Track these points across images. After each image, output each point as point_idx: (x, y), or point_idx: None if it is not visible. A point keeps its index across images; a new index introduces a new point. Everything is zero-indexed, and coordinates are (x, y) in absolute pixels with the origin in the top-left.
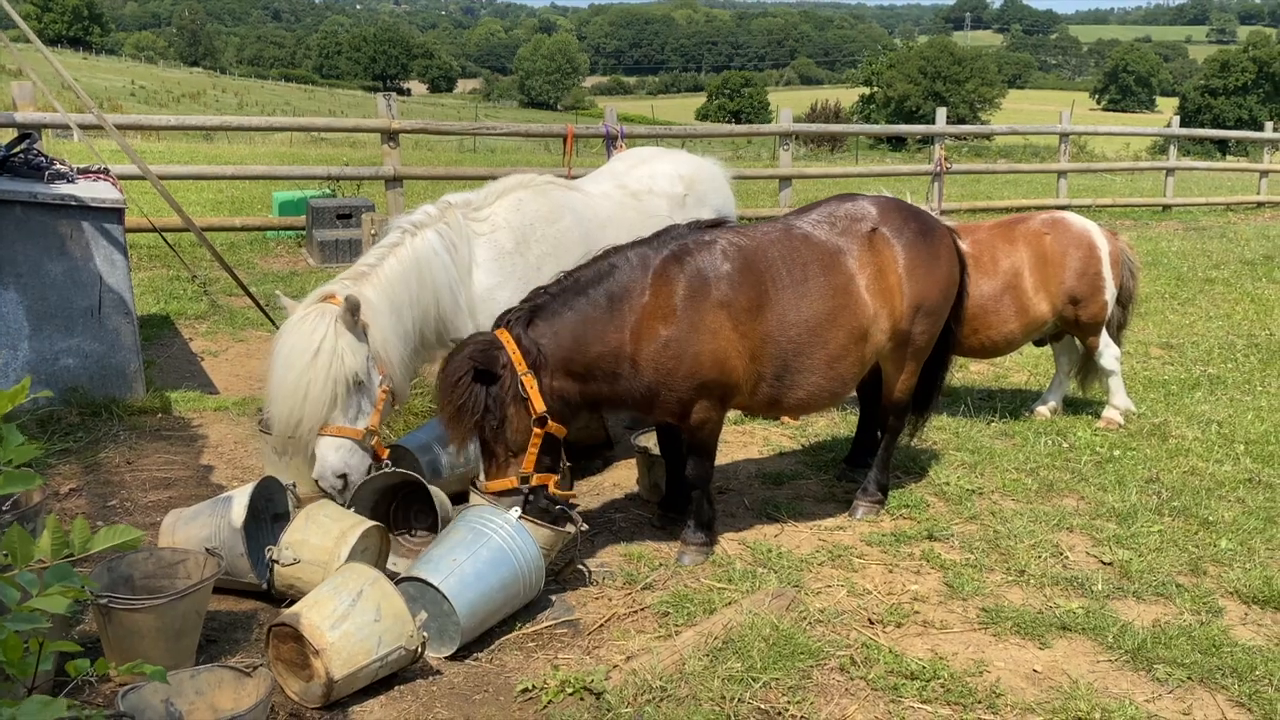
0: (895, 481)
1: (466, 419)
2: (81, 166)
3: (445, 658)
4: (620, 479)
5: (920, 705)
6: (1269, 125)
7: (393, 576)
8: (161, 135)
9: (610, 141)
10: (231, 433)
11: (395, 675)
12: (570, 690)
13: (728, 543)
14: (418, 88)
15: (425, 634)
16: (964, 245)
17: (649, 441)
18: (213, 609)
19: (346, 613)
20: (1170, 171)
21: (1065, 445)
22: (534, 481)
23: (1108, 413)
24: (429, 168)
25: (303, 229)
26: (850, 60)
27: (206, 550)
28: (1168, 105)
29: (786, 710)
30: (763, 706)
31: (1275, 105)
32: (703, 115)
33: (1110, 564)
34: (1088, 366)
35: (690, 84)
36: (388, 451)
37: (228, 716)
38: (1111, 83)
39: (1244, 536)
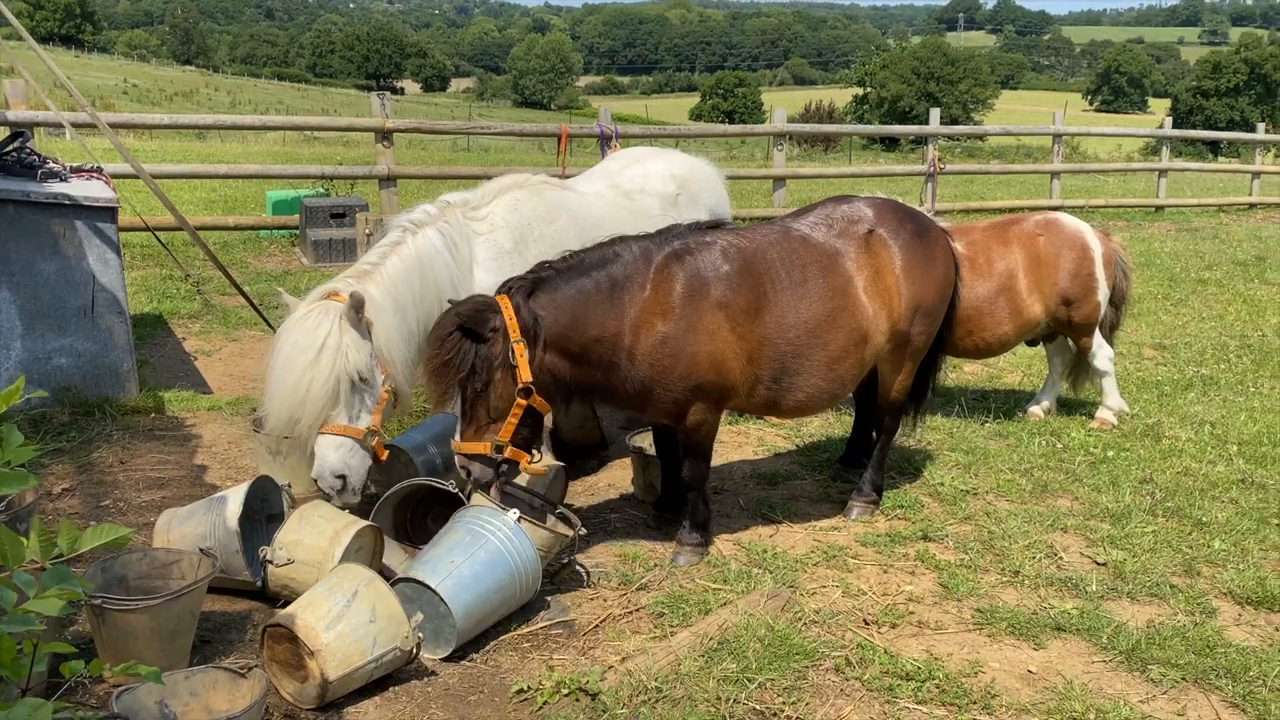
0: (890, 482)
1: (450, 375)
2: (75, 165)
3: (441, 659)
4: (615, 479)
5: (915, 706)
6: (1261, 127)
7: (390, 577)
8: (154, 134)
9: (605, 141)
10: (225, 432)
11: (390, 676)
12: (566, 691)
13: (723, 543)
14: (411, 87)
15: (420, 635)
16: (958, 246)
17: (644, 442)
18: (207, 609)
19: (341, 614)
20: (1163, 173)
21: (1059, 446)
22: (508, 453)
23: (1101, 413)
24: (423, 167)
25: (296, 228)
26: (844, 60)
27: (201, 550)
28: (1160, 106)
29: (782, 711)
30: (758, 707)
31: (1267, 107)
32: (696, 115)
33: (1104, 565)
34: (1080, 367)
35: (684, 84)
36: (387, 453)
37: (222, 718)
38: (1104, 84)
39: (1237, 537)
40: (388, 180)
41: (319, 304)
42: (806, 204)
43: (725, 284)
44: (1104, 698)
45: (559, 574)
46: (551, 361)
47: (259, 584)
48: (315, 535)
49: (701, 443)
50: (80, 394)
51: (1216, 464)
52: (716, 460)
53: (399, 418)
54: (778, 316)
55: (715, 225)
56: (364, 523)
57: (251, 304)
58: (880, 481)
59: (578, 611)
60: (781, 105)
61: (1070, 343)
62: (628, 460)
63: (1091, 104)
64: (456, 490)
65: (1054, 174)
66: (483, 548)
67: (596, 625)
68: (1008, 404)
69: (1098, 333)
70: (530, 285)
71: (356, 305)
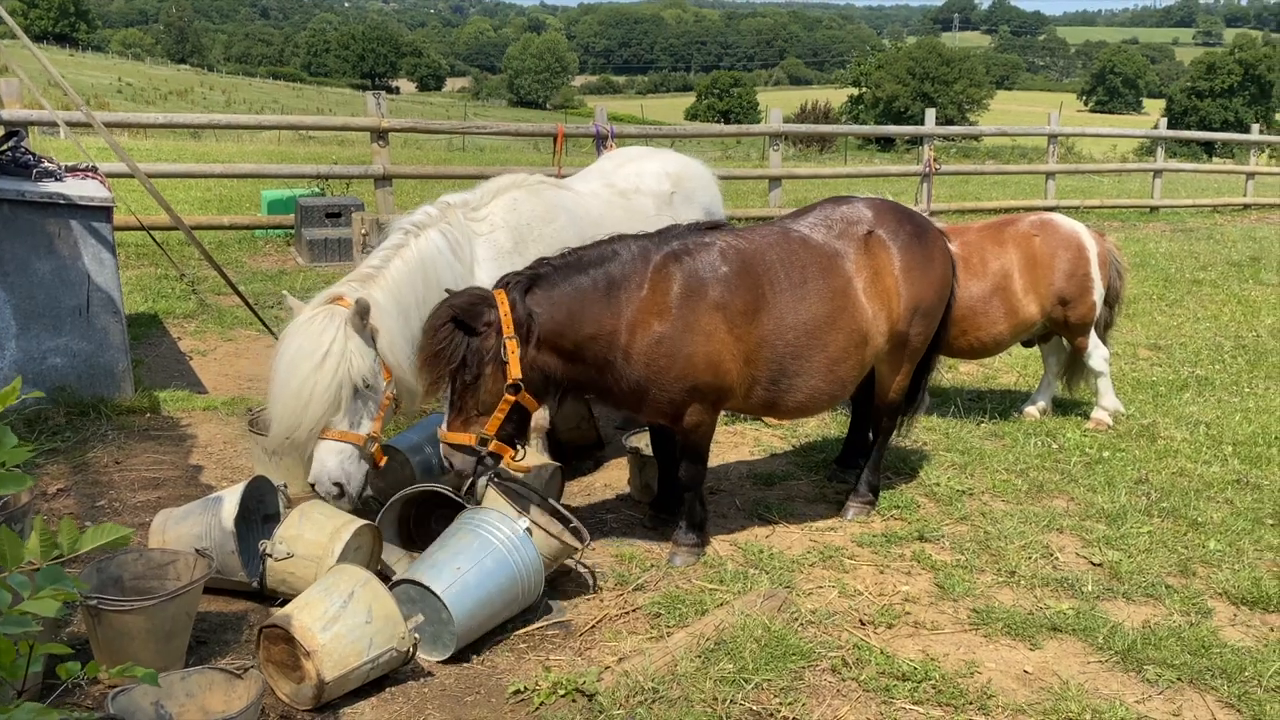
0: (886, 482)
1: (440, 365)
2: (70, 164)
3: (438, 661)
4: (612, 479)
5: (912, 706)
6: (1255, 127)
7: (390, 576)
8: (149, 133)
9: (600, 141)
10: (220, 432)
11: (387, 677)
12: (562, 692)
13: (719, 544)
14: (406, 86)
15: (417, 636)
16: (953, 247)
17: (640, 442)
18: (203, 610)
19: (338, 614)
20: (1158, 173)
21: (1055, 446)
22: (492, 447)
23: (1096, 414)
24: (418, 166)
25: (291, 228)
26: (839, 61)
27: (197, 551)
28: (1155, 107)
29: (778, 712)
30: (755, 708)
31: (1261, 107)
32: (692, 115)
33: (1100, 565)
34: (1075, 367)
35: (679, 84)
36: (385, 459)
37: (219, 719)
38: (1099, 84)
39: (1232, 537)
40: (383, 180)
41: (324, 309)
42: (802, 204)
43: (723, 285)
44: (1100, 698)
45: (556, 576)
46: (544, 359)
47: (255, 584)
48: (315, 531)
49: (699, 444)
50: (75, 394)
51: (1211, 464)
52: (713, 461)
53: (395, 421)
54: (776, 318)
55: (714, 226)
56: (364, 521)
57: (247, 303)
58: (876, 482)
59: (574, 612)
60: (777, 105)
61: (1065, 343)
62: (624, 460)
63: (1086, 105)
64: (463, 499)
65: (1049, 174)
66: (490, 556)
67: (593, 626)
68: (1003, 404)
69: (1093, 333)
70: (528, 281)
71: (362, 311)
